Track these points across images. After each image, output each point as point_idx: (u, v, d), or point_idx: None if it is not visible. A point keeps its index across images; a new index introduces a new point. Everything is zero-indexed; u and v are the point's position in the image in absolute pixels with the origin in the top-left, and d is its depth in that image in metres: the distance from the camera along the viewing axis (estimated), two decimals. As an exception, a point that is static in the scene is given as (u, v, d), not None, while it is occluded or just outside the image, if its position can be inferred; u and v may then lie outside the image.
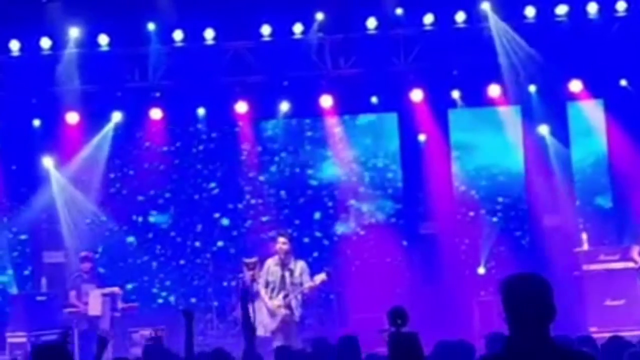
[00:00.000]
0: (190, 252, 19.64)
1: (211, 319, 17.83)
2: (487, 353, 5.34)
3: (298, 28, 17.79)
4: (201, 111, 19.03)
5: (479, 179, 19.64)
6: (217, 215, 19.72)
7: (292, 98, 18.66)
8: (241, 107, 18.62)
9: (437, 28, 17.75)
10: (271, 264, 13.91)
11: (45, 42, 17.64)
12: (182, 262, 19.61)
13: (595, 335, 10.97)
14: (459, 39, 17.69)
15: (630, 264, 16.12)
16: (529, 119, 18.68)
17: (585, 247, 16.82)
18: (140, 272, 19.45)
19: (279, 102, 18.72)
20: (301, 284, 13.75)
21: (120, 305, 16.23)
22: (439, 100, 18.58)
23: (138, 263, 19.51)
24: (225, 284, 18.61)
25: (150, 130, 19.20)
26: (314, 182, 20.00)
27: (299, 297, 13.76)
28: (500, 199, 19.60)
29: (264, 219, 19.62)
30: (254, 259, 13.75)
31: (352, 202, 19.81)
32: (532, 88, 18.34)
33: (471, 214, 19.56)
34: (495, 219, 19.50)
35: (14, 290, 18.60)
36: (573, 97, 18.57)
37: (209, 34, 17.77)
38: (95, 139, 18.73)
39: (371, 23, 17.73)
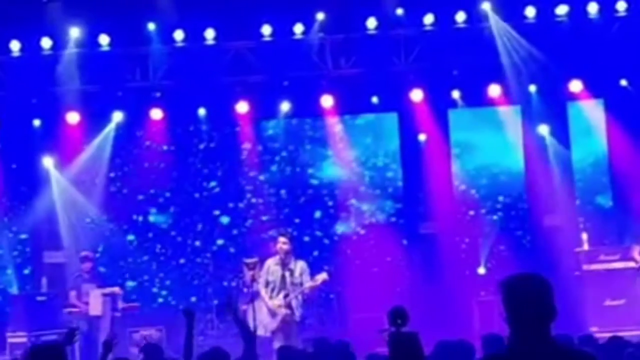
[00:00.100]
0: (190, 251, 19.66)
1: (211, 318, 17.83)
2: (488, 353, 5.34)
3: (299, 28, 17.79)
4: (202, 111, 19.03)
5: (479, 178, 19.65)
6: (217, 212, 19.73)
7: (293, 98, 18.66)
8: (242, 107, 18.63)
9: (438, 28, 17.75)
10: (271, 263, 13.91)
11: (46, 42, 17.64)
12: (182, 261, 19.63)
13: (595, 335, 10.97)
14: (459, 39, 17.69)
15: (631, 264, 16.12)
16: (529, 119, 18.69)
17: (586, 247, 16.83)
18: (140, 272, 19.47)
19: (280, 102, 18.72)
20: (301, 284, 13.75)
21: (120, 305, 16.23)
22: (439, 100, 18.58)
23: (138, 262, 19.52)
24: (225, 283, 18.61)
25: (150, 130, 19.20)
26: (314, 182, 20.02)
27: (299, 297, 13.76)
28: (500, 199, 19.61)
29: (264, 218, 19.63)
30: (254, 259, 13.76)
31: (353, 201, 19.82)
32: (533, 88, 18.34)
33: (471, 212, 19.57)
34: (495, 217, 19.52)
35: (14, 290, 18.60)
36: (573, 97, 18.57)
37: (210, 34, 17.78)
38: (97, 140, 18.74)
39: (371, 23, 17.74)
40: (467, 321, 17.05)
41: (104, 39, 17.66)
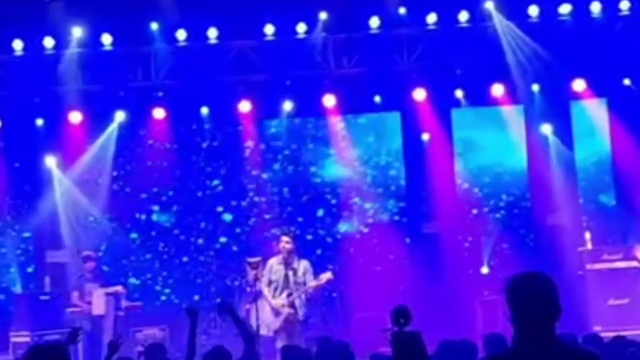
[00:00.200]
0: (193, 249, 19.68)
1: (214, 317, 17.83)
2: (493, 353, 5.32)
3: (301, 27, 17.78)
4: (204, 110, 19.03)
5: (482, 178, 19.66)
6: (220, 209, 19.72)
7: (295, 97, 18.65)
8: (244, 106, 18.62)
9: (440, 27, 17.74)
10: (274, 262, 13.91)
11: (48, 42, 17.64)
12: (185, 259, 19.65)
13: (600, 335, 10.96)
14: (462, 39, 17.67)
15: (634, 263, 16.11)
16: (532, 118, 18.67)
17: (589, 246, 16.81)
18: (143, 270, 19.49)
19: (282, 101, 18.71)
20: (304, 284, 13.75)
21: (123, 304, 16.23)
22: (442, 99, 18.57)
23: (141, 261, 19.54)
24: (228, 282, 18.61)
25: (153, 129, 19.20)
26: (317, 180, 20.03)
27: (303, 296, 13.75)
28: (503, 198, 19.61)
29: (267, 217, 19.64)
30: (257, 259, 13.76)
31: (355, 200, 19.82)
32: (536, 87, 18.32)
33: (474, 211, 19.58)
34: (498, 216, 19.52)
35: (17, 288, 18.62)
36: (576, 96, 18.56)
37: (212, 33, 17.77)
38: (100, 140, 18.74)
39: (374, 22, 17.73)
40: (470, 321, 17.04)
41: (106, 39, 17.65)
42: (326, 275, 13.78)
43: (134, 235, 19.64)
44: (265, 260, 13.96)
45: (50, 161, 18.56)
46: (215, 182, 19.91)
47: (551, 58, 17.63)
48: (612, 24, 17.67)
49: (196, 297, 19.03)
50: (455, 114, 19.04)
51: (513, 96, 18.47)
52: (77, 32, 17.54)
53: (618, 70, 18.09)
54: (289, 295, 13.71)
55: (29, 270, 18.95)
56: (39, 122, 18.57)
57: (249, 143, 19.67)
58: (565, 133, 18.67)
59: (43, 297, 16.67)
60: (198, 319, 9.16)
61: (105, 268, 17.68)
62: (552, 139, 18.61)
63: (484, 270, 18.87)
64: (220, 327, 17.67)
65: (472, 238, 19.33)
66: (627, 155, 18.35)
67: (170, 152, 19.63)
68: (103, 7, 17.25)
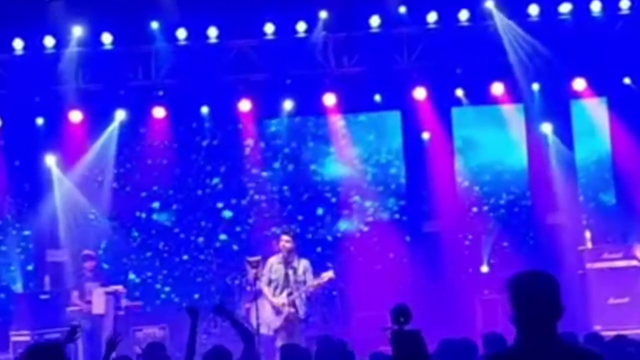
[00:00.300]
0: (193, 248, 19.68)
1: (214, 317, 17.82)
2: (495, 351, 5.32)
3: (301, 26, 17.78)
4: (205, 109, 19.03)
5: (482, 176, 19.66)
6: (220, 205, 19.73)
7: (296, 96, 18.65)
8: (245, 105, 18.62)
9: (441, 26, 17.73)
10: (274, 262, 13.91)
11: (49, 41, 17.63)
12: (185, 257, 19.65)
13: (600, 334, 10.97)
14: (462, 37, 17.67)
15: (634, 262, 16.11)
16: (533, 117, 18.67)
17: (589, 245, 16.81)
18: (143, 269, 19.50)
19: (283, 101, 18.71)
20: (304, 282, 13.75)
21: (124, 303, 16.23)
22: (443, 98, 18.57)
23: (141, 259, 19.55)
24: (228, 281, 18.61)
25: (153, 128, 19.20)
26: (317, 179, 20.03)
27: (303, 295, 13.76)
28: (503, 197, 19.62)
29: (267, 215, 19.64)
30: (257, 258, 13.76)
31: (356, 198, 19.83)
32: (536, 86, 18.33)
33: (474, 209, 19.58)
34: (498, 215, 19.52)
35: (18, 286, 18.63)
36: (577, 95, 18.56)
37: (213, 33, 17.76)
38: (101, 139, 18.74)
39: (374, 21, 17.72)
40: (470, 319, 17.05)
41: (106, 38, 17.64)
42: (328, 274, 13.79)
43: (134, 234, 19.65)
44: (265, 259, 13.97)
45: (51, 160, 18.56)
46: (215, 180, 19.92)
47: (551, 57, 17.63)
48: (613, 23, 17.68)
49: (196, 296, 19.03)
50: (455, 112, 19.05)
51: (513, 95, 18.48)
52: (77, 31, 17.54)
53: (618, 70, 18.09)
54: (290, 294, 13.71)
55: (29, 268, 18.95)
56: (39, 121, 18.57)
57: (249, 141, 19.67)
58: (565, 132, 18.67)
59: (43, 296, 16.68)
60: (198, 319, 9.16)
61: (105, 266, 17.68)
62: (552, 138, 18.61)
63: (484, 269, 18.88)
64: (220, 326, 17.65)
65: (472, 237, 19.34)
66: (627, 154, 18.36)
67: (170, 150, 19.64)
68: (103, 7, 17.26)
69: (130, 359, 9.65)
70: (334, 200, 19.93)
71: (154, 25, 17.71)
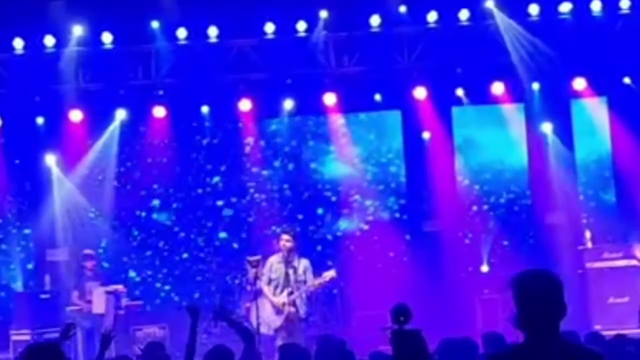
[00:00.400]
0: (193, 246, 19.68)
1: (215, 319, 17.79)
2: (499, 350, 5.32)
3: (302, 26, 17.77)
4: (205, 109, 19.03)
5: (482, 175, 19.66)
6: (220, 203, 19.73)
7: (296, 96, 18.64)
8: (245, 104, 18.62)
9: (441, 26, 17.73)
10: (274, 261, 13.92)
11: (49, 40, 17.63)
12: (185, 255, 19.64)
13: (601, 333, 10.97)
14: (462, 37, 17.67)
15: (633, 262, 16.12)
16: (533, 117, 18.68)
17: (589, 244, 16.82)
18: (143, 267, 19.50)
19: (283, 100, 18.70)
20: (305, 282, 13.76)
21: (124, 302, 16.24)
22: (443, 97, 18.58)
23: (141, 258, 19.56)
24: (228, 280, 18.61)
25: (153, 127, 19.20)
26: (317, 178, 20.03)
27: (303, 294, 13.76)
28: (503, 196, 19.62)
29: (267, 214, 19.63)
30: (257, 257, 13.76)
31: (356, 197, 19.83)
32: (536, 85, 18.33)
33: (474, 208, 19.58)
34: (499, 214, 19.52)
35: (18, 285, 18.64)
36: (577, 94, 18.56)
37: (213, 32, 17.76)
38: (102, 139, 18.74)
39: (375, 21, 17.72)
40: (470, 319, 17.05)
41: (106, 37, 17.64)
42: (330, 273, 13.80)
43: (134, 233, 19.66)
44: (265, 258, 13.97)
45: (51, 160, 18.56)
46: (216, 179, 19.92)
47: (552, 56, 17.63)
48: (613, 22, 17.68)
49: (196, 295, 19.03)
50: (455, 112, 19.05)
51: (513, 94, 18.49)
52: (77, 30, 17.54)
53: (618, 69, 18.09)
54: (290, 293, 13.71)
55: (29, 266, 18.96)
56: (40, 120, 18.56)
57: (249, 140, 19.67)
58: (565, 131, 18.67)
59: (43, 296, 16.70)
60: (199, 319, 9.15)
61: (105, 265, 17.68)
62: (552, 137, 18.61)
63: (484, 268, 18.88)
64: (220, 326, 17.62)
65: (473, 236, 19.33)
66: (627, 154, 18.37)
67: (170, 149, 19.63)
68: (103, 6, 17.26)
69: (130, 359, 9.65)
70: (334, 199, 19.93)
71: (154, 24, 17.71)
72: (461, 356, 8.17)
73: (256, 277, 13.64)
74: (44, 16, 17.41)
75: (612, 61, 17.77)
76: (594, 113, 18.97)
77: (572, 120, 18.83)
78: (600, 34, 17.56)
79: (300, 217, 19.50)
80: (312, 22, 17.74)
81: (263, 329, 13.31)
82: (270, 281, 13.81)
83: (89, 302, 15.94)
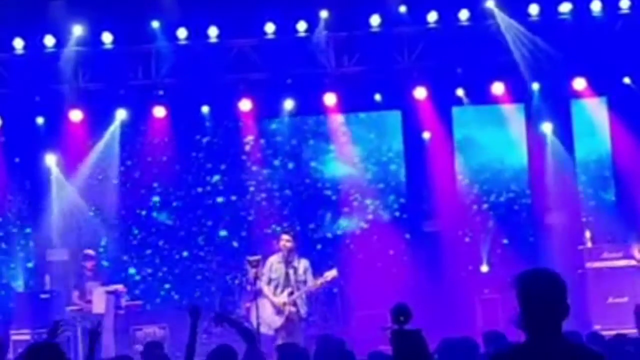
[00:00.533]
0: (193, 245, 19.69)
1: (215, 320, 17.79)
2: (501, 349, 5.33)
3: (302, 26, 17.78)
4: (205, 109, 19.03)
5: (482, 175, 19.67)
6: (220, 199, 19.73)
7: (296, 96, 18.65)
8: (245, 104, 18.63)
9: (441, 26, 17.74)
10: (274, 261, 13.93)
11: (49, 40, 17.64)
12: (185, 253, 19.65)
13: (600, 333, 10.98)
14: (462, 37, 17.68)
15: (633, 262, 16.13)
16: (533, 117, 18.69)
17: (589, 244, 16.83)
18: (143, 266, 19.52)
19: (283, 100, 18.71)
20: (305, 282, 13.77)
21: (124, 302, 16.25)
22: (443, 97, 18.58)
23: (141, 256, 19.57)
24: (228, 280, 18.62)
25: (154, 126, 19.21)
26: (317, 177, 20.04)
27: (304, 294, 13.77)
28: (503, 196, 19.63)
29: (267, 213, 19.64)
30: (257, 257, 13.77)
31: (356, 196, 19.84)
32: (536, 86, 18.34)
33: (474, 207, 19.59)
34: (498, 214, 19.53)
35: (19, 283, 18.65)
36: (577, 94, 18.57)
37: (213, 32, 17.76)
38: (104, 139, 18.74)
39: (375, 21, 17.73)
40: (470, 319, 17.05)
41: (107, 37, 17.65)
42: (331, 273, 13.82)
43: (134, 232, 19.67)
44: (265, 258, 13.98)
45: (51, 160, 18.57)
46: (216, 177, 19.94)
47: (552, 56, 17.64)
48: (613, 22, 17.68)
49: (197, 294, 19.04)
50: (455, 112, 19.05)
51: (514, 94, 18.50)
52: (77, 30, 17.54)
53: (618, 69, 18.10)
54: (291, 293, 13.72)
55: (29, 265, 18.97)
56: (40, 120, 18.57)
57: (249, 139, 19.68)
58: (565, 131, 18.68)
59: (43, 296, 16.71)
60: (199, 319, 9.15)
61: (105, 263, 17.69)
62: (552, 137, 18.62)
63: (484, 268, 18.89)
64: (220, 325, 17.66)
65: (472, 236, 19.34)
66: (627, 153, 18.37)
67: (170, 147, 19.63)
68: (104, 6, 17.27)
69: (131, 359, 9.65)
70: (334, 198, 19.95)
71: (155, 24, 17.71)
72: (461, 356, 8.18)
73: (256, 277, 13.65)
74: (44, 16, 17.42)
75: (612, 61, 17.77)
76: (594, 113, 18.97)
77: (572, 120, 18.84)
78: (600, 34, 17.56)
79: (300, 215, 19.50)
80: (312, 22, 17.75)
81: (263, 329, 13.31)
82: (270, 281, 13.82)
83: (89, 302, 15.94)
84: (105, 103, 18.42)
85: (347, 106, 19.02)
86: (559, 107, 18.51)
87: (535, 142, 18.80)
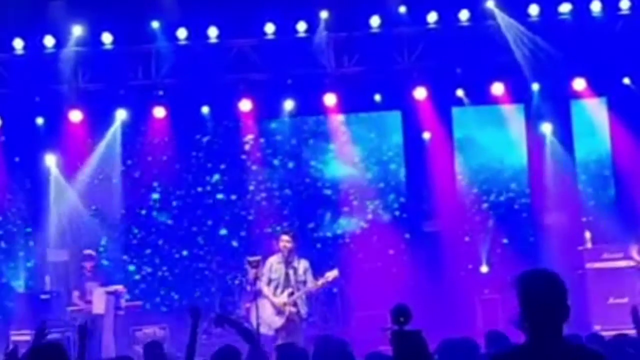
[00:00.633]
0: (193, 245, 19.69)
1: (216, 322, 17.79)
2: (502, 350, 5.33)
3: (302, 26, 17.78)
4: (205, 109, 19.03)
5: (482, 175, 19.67)
6: (220, 196, 19.74)
7: (296, 96, 18.66)
8: (245, 105, 18.63)
9: (441, 26, 17.75)
10: (274, 261, 13.92)
11: (49, 41, 17.65)
12: (185, 253, 19.65)
13: (600, 334, 10.97)
14: (462, 37, 17.69)
15: (633, 262, 16.13)
16: (533, 117, 18.70)
17: (589, 245, 16.83)
18: (143, 265, 19.52)
19: (283, 100, 18.71)
20: (305, 283, 13.77)
21: (124, 303, 16.25)
22: (443, 98, 18.59)
23: (141, 256, 19.58)
24: (228, 280, 18.62)
25: (154, 127, 19.22)
26: (317, 176, 20.05)
27: (304, 295, 13.77)
28: (503, 196, 19.64)
29: (267, 213, 19.64)
30: (257, 258, 13.76)
31: (356, 197, 19.84)
32: (536, 86, 18.35)
33: (474, 207, 19.59)
34: (498, 214, 19.54)
35: (20, 283, 18.65)
36: (577, 95, 18.57)
37: (213, 32, 17.77)
38: (105, 140, 18.75)
39: (375, 21, 17.73)
40: (470, 319, 17.05)
41: (106, 37, 17.66)
42: (332, 273, 13.82)
43: (134, 231, 19.68)
44: (265, 258, 13.97)
45: (50, 160, 18.57)
46: (216, 177, 19.94)
47: (552, 56, 17.65)
48: (612, 23, 17.69)
49: (197, 294, 19.04)
50: (455, 112, 19.06)
51: (513, 95, 18.51)
52: (77, 30, 17.55)
53: (618, 70, 18.11)
54: (291, 294, 13.72)
55: (29, 264, 18.98)
56: (39, 120, 18.58)
57: (249, 138, 19.68)
58: (565, 132, 18.69)
59: (43, 296, 16.71)
60: (200, 320, 9.14)
61: (105, 262, 17.70)
62: (551, 137, 18.63)
63: (484, 268, 18.89)
64: (221, 327, 17.66)
65: (472, 236, 19.34)
66: (627, 153, 18.38)
67: (170, 147, 19.63)
68: (103, 6, 17.27)
69: (131, 359, 9.64)
70: (334, 198, 19.95)
71: (154, 24, 17.72)
72: (461, 356, 8.17)
73: (256, 278, 13.64)
74: (44, 16, 17.42)
75: (612, 61, 17.78)
76: (593, 113, 18.98)
77: (572, 120, 18.85)
78: (600, 34, 17.57)
79: (300, 215, 19.50)
80: (312, 23, 17.75)
81: (263, 329, 13.30)
82: (270, 281, 13.81)
83: (89, 302, 15.94)
84: (105, 103, 18.43)
85: (347, 106, 19.03)
86: (559, 107, 18.52)
87: (535, 142, 18.81)
